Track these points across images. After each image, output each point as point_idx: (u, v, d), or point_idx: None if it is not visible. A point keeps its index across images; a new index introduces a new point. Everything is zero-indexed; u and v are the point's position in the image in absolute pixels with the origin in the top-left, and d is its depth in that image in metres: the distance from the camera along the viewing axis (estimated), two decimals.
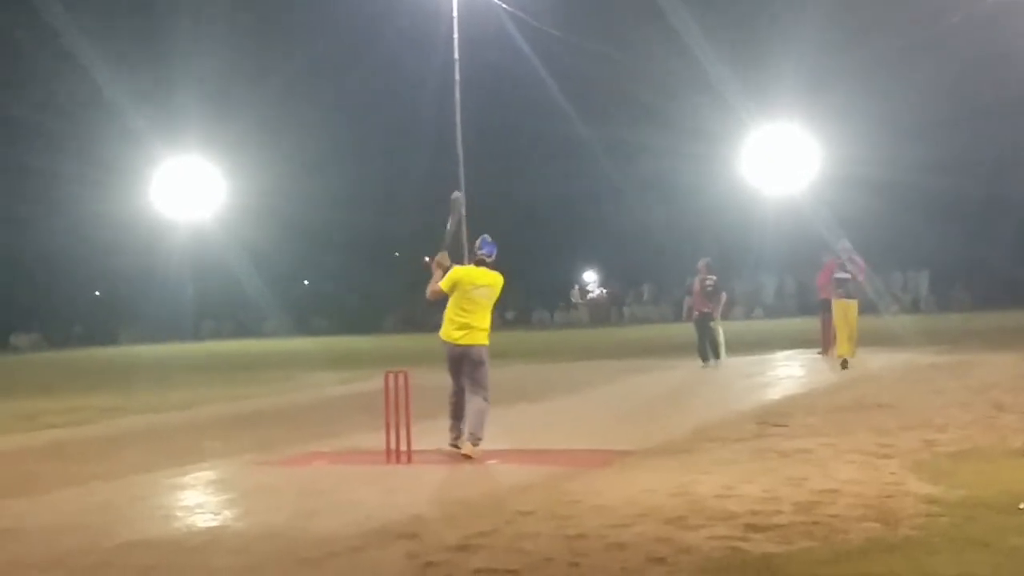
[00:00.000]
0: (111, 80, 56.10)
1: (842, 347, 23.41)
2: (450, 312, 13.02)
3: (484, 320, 13.07)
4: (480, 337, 12.98)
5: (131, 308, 76.48)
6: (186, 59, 61.60)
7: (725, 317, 27.93)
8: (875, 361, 24.37)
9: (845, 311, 23.56)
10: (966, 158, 56.19)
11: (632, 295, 79.30)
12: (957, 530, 7.93)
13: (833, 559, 7.31)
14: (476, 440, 12.75)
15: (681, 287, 59.84)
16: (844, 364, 22.91)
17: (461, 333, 12.90)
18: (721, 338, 26.47)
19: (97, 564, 8.18)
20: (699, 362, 25.90)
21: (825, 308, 26.29)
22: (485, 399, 12.92)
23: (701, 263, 26.75)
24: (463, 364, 12.97)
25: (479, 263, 13.22)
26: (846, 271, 23.60)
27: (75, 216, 67.69)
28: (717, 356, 26.08)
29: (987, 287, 63.48)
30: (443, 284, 12.98)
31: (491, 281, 13.12)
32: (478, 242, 13.47)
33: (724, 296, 27.24)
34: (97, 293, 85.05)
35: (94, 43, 55.54)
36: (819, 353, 27.26)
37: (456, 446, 12.92)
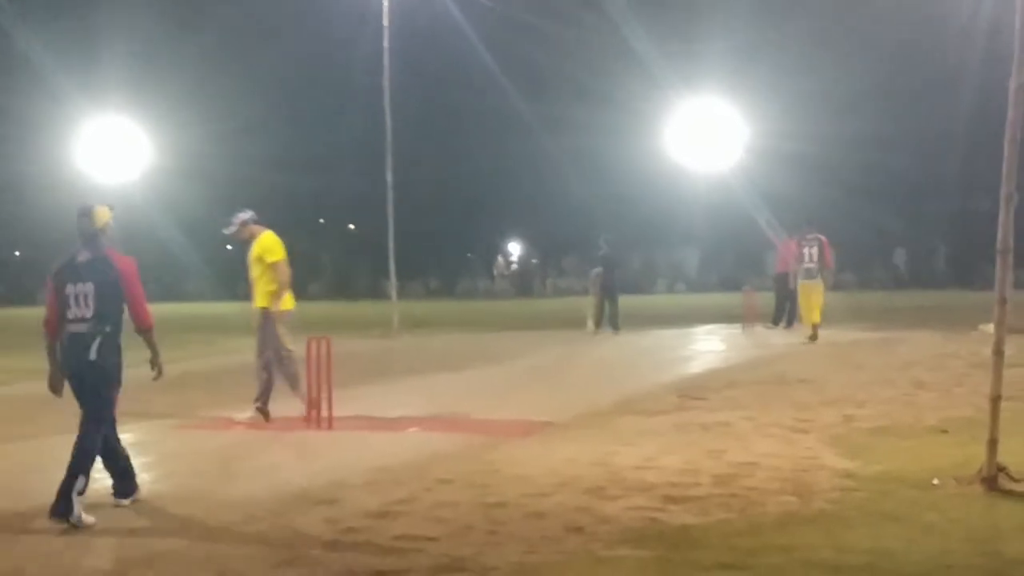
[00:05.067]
0: (33, 38, 55.22)
1: (810, 318, 23.98)
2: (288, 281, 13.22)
3: None
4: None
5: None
6: (112, 17, 60.70)
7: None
8: (797, 337, 24.61)
9: (808, 292, 23.96)
10: (894, 134, 56.59)
11: (555, 266, 79.50)
12: (872, 504, 8.05)
13: (749, 531, 7.39)
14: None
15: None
16: (813, 336, 23.45)
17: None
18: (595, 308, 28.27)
19: (14, 526, 8.11)
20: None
21: (780, 282, 27.20)
22: None
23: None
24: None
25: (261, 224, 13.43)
26: (812, 259, 23.90)
27: None
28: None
29: (912, 265, 64.31)
30: (281, 256, 13.11)
31: None
32: (246, 215, 13.48)
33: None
34: (17, 254, 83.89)
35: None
36: (769, 325, 27.55)
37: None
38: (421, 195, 60.18)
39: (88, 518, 8.24)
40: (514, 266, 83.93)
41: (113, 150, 53.34)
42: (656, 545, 7.09)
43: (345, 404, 12.99)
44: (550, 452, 10.45)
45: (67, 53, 56.69)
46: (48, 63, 54.99)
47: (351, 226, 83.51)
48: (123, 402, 15.42)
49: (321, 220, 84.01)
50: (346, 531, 7.59)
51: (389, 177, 30.34)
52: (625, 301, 28.70)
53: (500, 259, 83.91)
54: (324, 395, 12.40)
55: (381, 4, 30.65)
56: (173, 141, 57.88)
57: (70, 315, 8.81)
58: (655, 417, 12.65)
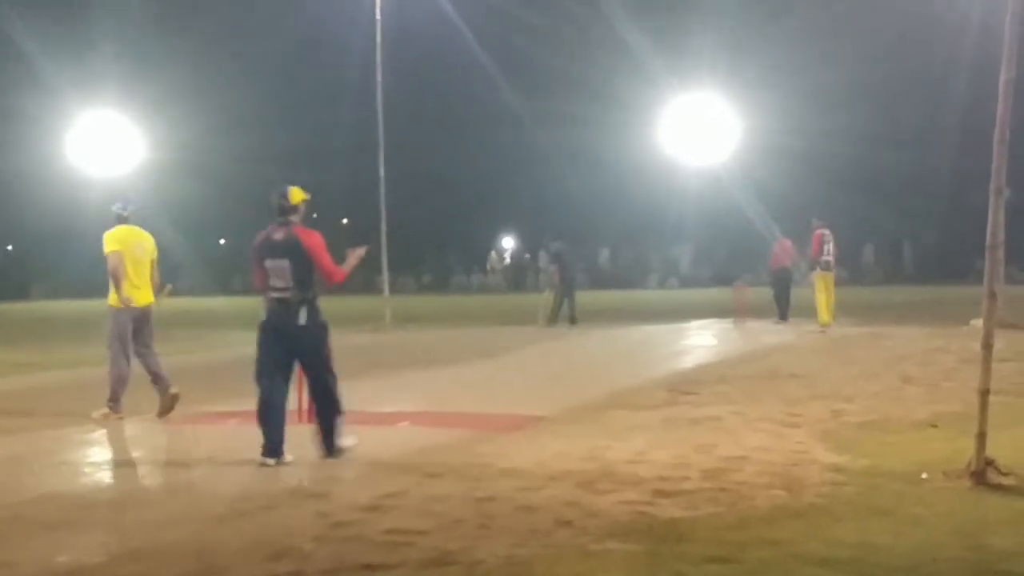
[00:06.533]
0: (24, 31, 55.18)
1: (822, 316, 24.88)
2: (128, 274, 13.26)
3: (148, 278, 13.56)
4: (151, 295, 13.56)
5: (44, 263, 75.44)
6: (104, 10, 60.68)
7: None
8: (788, 332, 24.71)
9: (825, 283, 25.00)
10: (888, 130, 56.74)
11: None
12: (861, 498, 8.07)
13: (738, 525, 7.40)
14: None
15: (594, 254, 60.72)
16: (823, 331, 24.17)
17: (140, 293, 13.33)
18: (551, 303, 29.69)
19: (4, 519, 8.11)
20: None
21: (776, 277, 28.15)
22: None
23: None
24: (140, 324, 13.36)
25: (123, 220, 13.51)
26: (831, 253, 25.29)
27: None
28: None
29: (902, 260, 64.41)
30: (113, 246, 13.24)
31: (145, 239, 13.62)
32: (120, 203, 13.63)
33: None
34: (9, 248, 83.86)
35: None
36: (779, 322, 27.68)
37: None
38: (414, 190, 60.23)
39: (349, 441, 10.14)
40: (507, 261, 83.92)
41: (106, 144, 53.30)
42: (645, 539, 7.10)
43: None
44: (540, 446, 10.47)
45: (60, 47, 56.70)
46: (41, 57, 55.06)
47: (344, 220, 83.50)
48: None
49: (314, 215, 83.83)
50: (336, 525, 7.60)
51: (381, 171, 30.37)
52: (617, 296, 28.85)
53: (493, 254, 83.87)
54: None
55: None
56: (166, 135, 57.86)
57: (272, 284, 10.01)
58: (645, 411, 12.67)
